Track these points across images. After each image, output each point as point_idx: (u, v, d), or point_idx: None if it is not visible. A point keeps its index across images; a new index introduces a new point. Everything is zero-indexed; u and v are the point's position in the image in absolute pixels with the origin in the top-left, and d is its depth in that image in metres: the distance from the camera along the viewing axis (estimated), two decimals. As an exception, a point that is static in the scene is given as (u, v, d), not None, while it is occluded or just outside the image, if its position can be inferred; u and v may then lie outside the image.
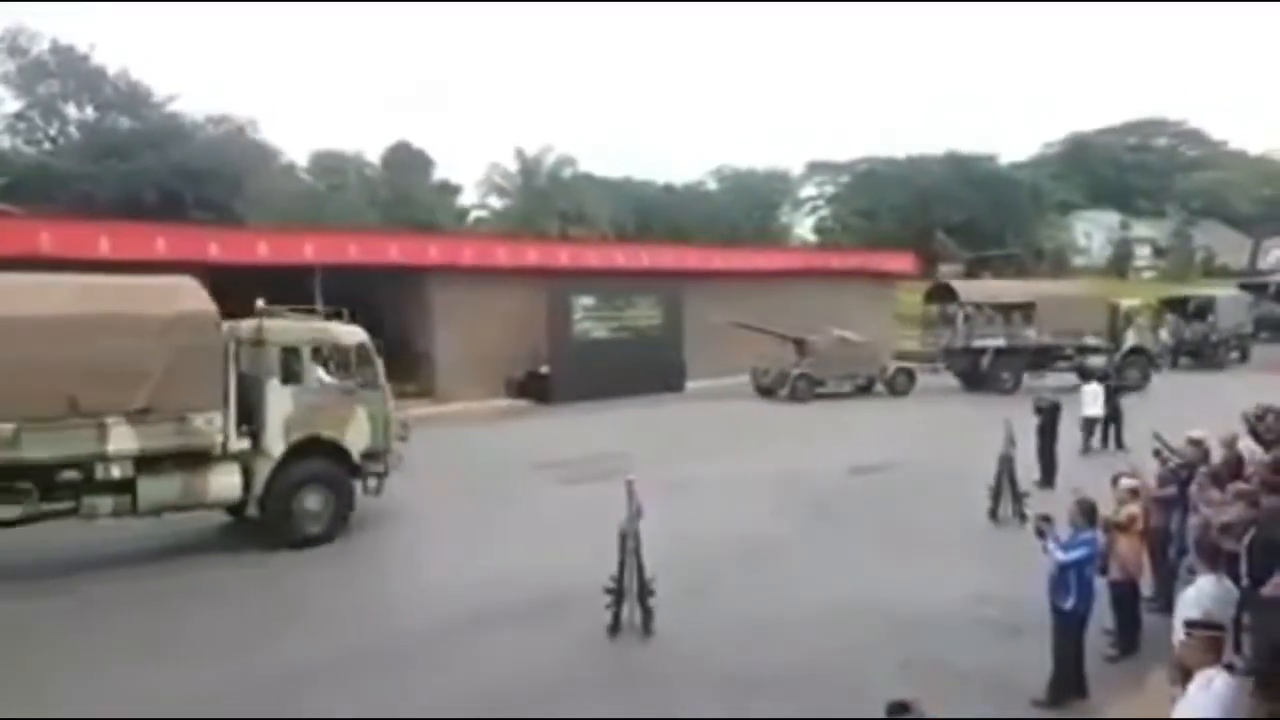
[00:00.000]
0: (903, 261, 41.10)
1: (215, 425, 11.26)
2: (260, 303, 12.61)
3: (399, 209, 53.36)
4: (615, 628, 8.82)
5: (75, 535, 11.49)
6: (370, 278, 26.10)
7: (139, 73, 55.15)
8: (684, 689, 7.83)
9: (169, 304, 11.26)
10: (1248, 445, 10.58)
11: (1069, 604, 7.33)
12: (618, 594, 8.79)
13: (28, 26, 46.74)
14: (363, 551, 12.33)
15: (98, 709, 7.58)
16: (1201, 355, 33.64)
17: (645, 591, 8.78)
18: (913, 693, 4.55)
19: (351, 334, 13.00)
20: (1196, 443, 10.19)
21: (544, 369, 27.32)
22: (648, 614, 8.80)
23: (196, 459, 11.33)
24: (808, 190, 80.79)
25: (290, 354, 12.28)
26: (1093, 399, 18.20)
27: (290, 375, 12.20)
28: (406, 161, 59.21)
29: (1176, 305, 36.11)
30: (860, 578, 10.62)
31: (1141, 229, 74.33)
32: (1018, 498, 12.85)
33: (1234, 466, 9.75)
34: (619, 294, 28.94)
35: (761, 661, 8.34)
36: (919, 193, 69.05)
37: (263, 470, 11.87)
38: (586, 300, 28.15)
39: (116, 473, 10.79)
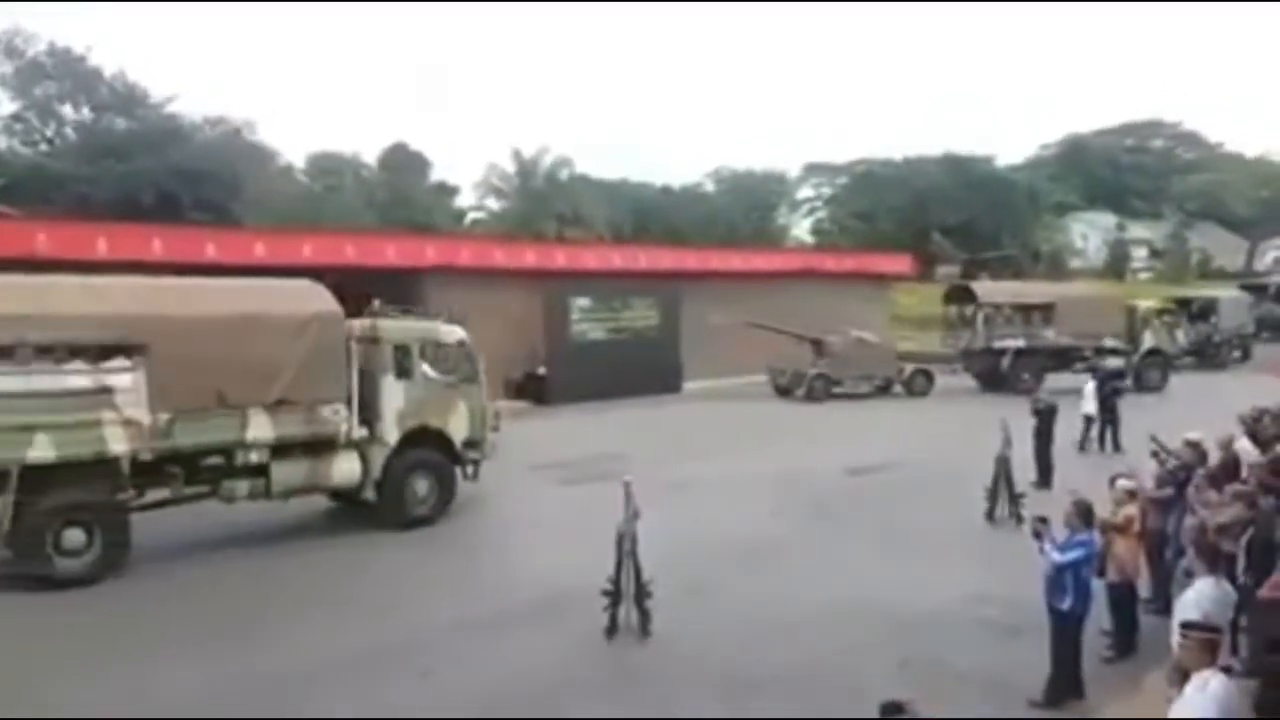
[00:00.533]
0: (900, 263, 41.12)
1: (340, 415, 12.33)
2: (375, 304, 13.87)
3: (396, 210, 53.34)
4: (612, 629, 8.81)
5: (188, 522, 12.20)
6: (367, 279, 26.00)
7: (136, 74, 54.95)
8: (682, 690, 7.82)
9: (302, 305, 12.44)
10: (1244, 447, 10.60)
11: (1066, 605, 7.34)
12: (615, 595, 8.79)
13: (24, 28, 46.74)
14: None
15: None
16: (1205, 355, 33.80)
17: (642, 593, 8.78)
18: (909, 693, 4.56)
19: (452, 332, 14.23)
20: (1193, 444, 10.21)
21: (541, 370, 27.32)
22: (645, 615, 8.80)
23: (321, 446, 12.39)
24: (805, 192, 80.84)
25: (401, 351, 13.37)
26: (1092, 396, 18.28)
27: (401, 370, 13.29)
28: (404, 163, 59.19)
29: (1179, 306, 36.22)
30: (856, 578, 10.62)
31: (1138, 231, 74.41)
32: (1014, 499, 12.87)
33: (1231, 468, 9.78)
34: (616, 295, 28.96)
35: (759, 662, 8.34)
36: (916, 194, 69.09)
37: (378, 457, 12.93)
38: (583, 301, 28.16)
39: (254, 458, 11.85)
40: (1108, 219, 75.01)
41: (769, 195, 76.00)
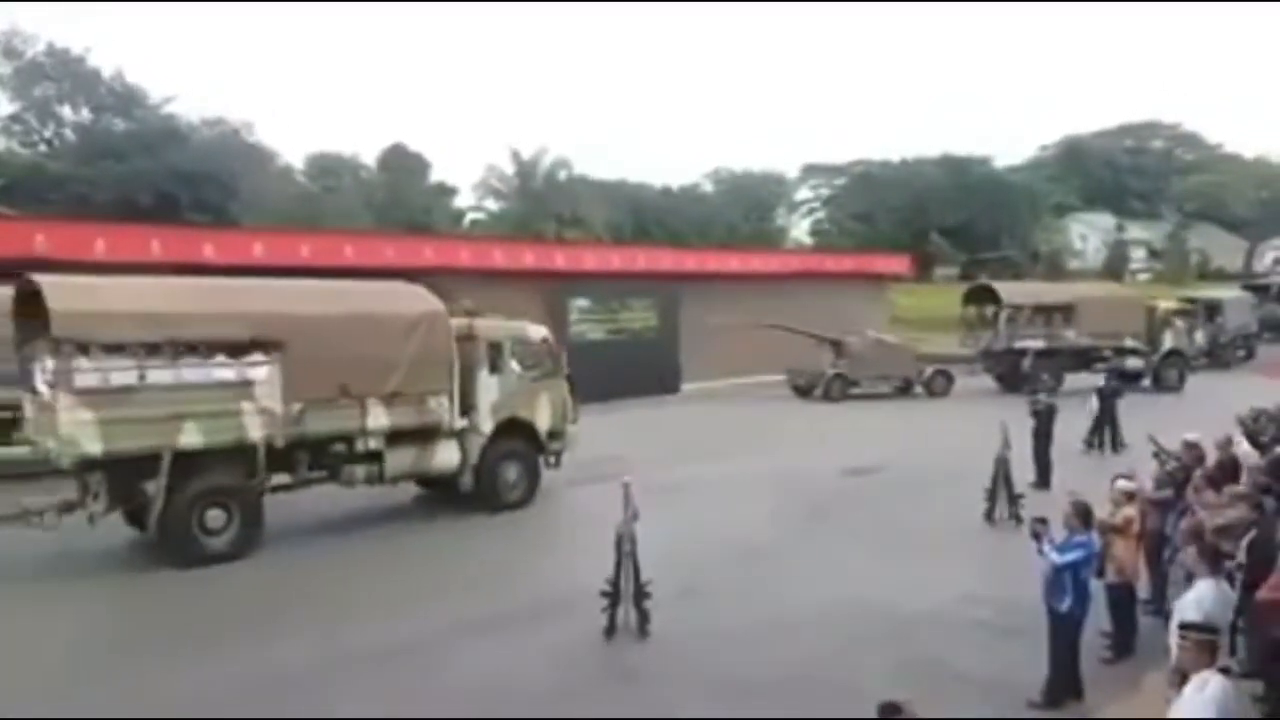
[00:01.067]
0: (899, 264, 41.11)
1: (444, 407, 13.31)
2: (467, 303, 15.00)
3: (395, 211, 53.35)
4: (611, 630, 8.80)
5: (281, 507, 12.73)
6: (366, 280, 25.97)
7: (135, 75, 55.28)
8: (680, 691, 7.81)
9: (413, 305, 13.48)
10: (1243, 448, 10.59)
11: (1065, 606, 7.33)
12: (613, 596, 8.77)
13: (23, 29, 46.78)
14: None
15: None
16: (1210, 355, 33.94)
17: (641, 594, 8.77)
18: (906, 694, 4.54)
19: (538, 331, 15.25)
20: (1192, 445, 10.20)
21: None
22: (643, 616, 8.79)
23: (427, 435, 13.33)
24: (803, 193, 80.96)
25: (494, 348, 14.38)
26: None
27: (494, 366, 14.33)
28: (403, 163, 59.21)
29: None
30: (854, 580, 10.60)
31: (1137, 231, 74.51)
32: (1013, 499, 12.87)
33: (1229, 469, 9.77)
34: (615, 296, 28.96)
35: (758, 663, 8.32)
36: (914, 195, 69.17)
37: (475, 446, 13.91)
38: (582, 302, 28.16)
39: (371, 445, 12.85)
40: (1106, 220, 75.09)
41: (768, 196, 76.12)
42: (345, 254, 26.45)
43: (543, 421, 14.70)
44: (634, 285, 29.77)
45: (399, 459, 13.14)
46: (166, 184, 41.78)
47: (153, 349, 11.05)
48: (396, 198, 55.56)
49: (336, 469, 12.85)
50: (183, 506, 11.17)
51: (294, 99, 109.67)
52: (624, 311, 28.88)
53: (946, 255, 67.18)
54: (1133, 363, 27.08)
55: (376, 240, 30.39)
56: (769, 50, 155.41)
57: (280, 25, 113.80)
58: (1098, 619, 8.10)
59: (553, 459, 14.96)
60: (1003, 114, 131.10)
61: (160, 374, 11.08)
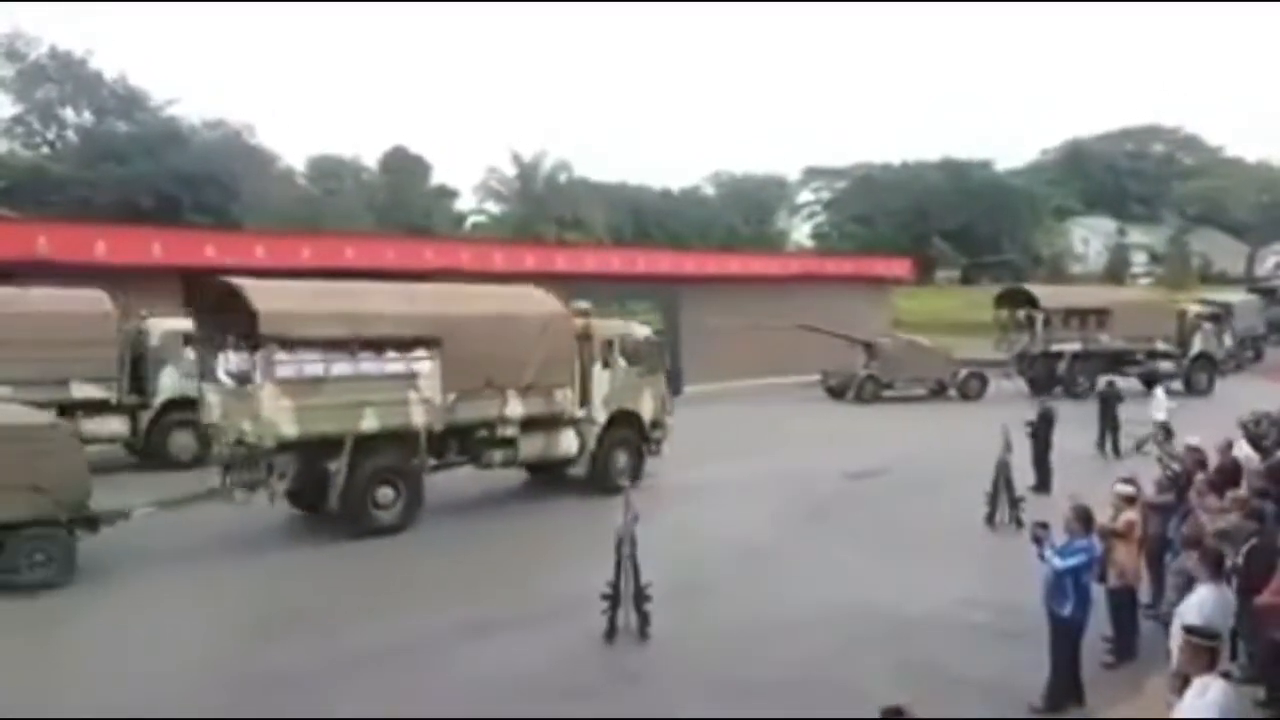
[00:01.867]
0: (900, 267, 41.12)
1: (568, 399, 14.80)
2: (584, 305, 16.29)
3: (396, 213, 53.38)
4: (611, 632, 8.79)
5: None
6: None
7: (137, 77, 55.35)
8: (680, 693, 7.80)
9: (542, 307, 15.05)
10: (1245, 452, 10.58)
11: (1066, 611, 7.30)
12: (614, 599, 8.76)
13: (26, 31, 46.82)
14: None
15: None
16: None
17: (641, 596, 8.76)
18: (907, 697, 4.53)
19: (642, 330, 16.83)
20: (1194, 449, 10.19)
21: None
22: (644, 618, 8.78)
23: (552, 423, 14.78)
24: (804, 196, 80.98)
25: (607, 346, 15.71)
26: (1159, 404, 18.11)
27: (606, 362, 15.65)
28: (404, 166, 59.24)
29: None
30: (854, 582, 10.60)
31: (1138, 235, 74.43)
32: (1014, 503, 12.85)
33: (1230, 473, 9.75)
34: (615, 298, 28.88)
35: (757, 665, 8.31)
36: (915, 198, 69.16)
37: (591, 434, 15.33)
38: (583, 305, 28.11)
39: (509, 432, 14.32)
40: (1108, 224, 75.04)
41: (768, 199, 76.16)
42: (346, 256, 26.50)
43: (646, 412, 16.11)
44: (634, 288, 29.75)
45: (530, 445, 14.62)
46: (168, 186, 41.78)
47: (336, 345, 12.49)
48: (397, 200, 55.59)
49: (478, 453, 14.30)
50: (360, 484, 12.59)
51: (295, 101, 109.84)
52: (625, 314, 28.82)
53: (947, 258, 67.18)
54: (1165, 366, 27.57)
55: (378, 242, 30.46)
56: (770, 53, 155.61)
57: (282, 28, 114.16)
58: (1099, 623, 8.08)
59: (654, 447, 16.30)
60: (1004, 117, 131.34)
61: (343, 367, 12.57)
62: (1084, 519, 7.53)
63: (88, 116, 49.13)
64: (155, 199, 41.00)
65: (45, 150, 48.16)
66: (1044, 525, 7.60)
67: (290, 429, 11.97)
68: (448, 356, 13.24)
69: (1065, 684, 7.41)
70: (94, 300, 17.03)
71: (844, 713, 6.75)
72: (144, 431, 17.47)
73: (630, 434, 15.89)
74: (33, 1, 56.06)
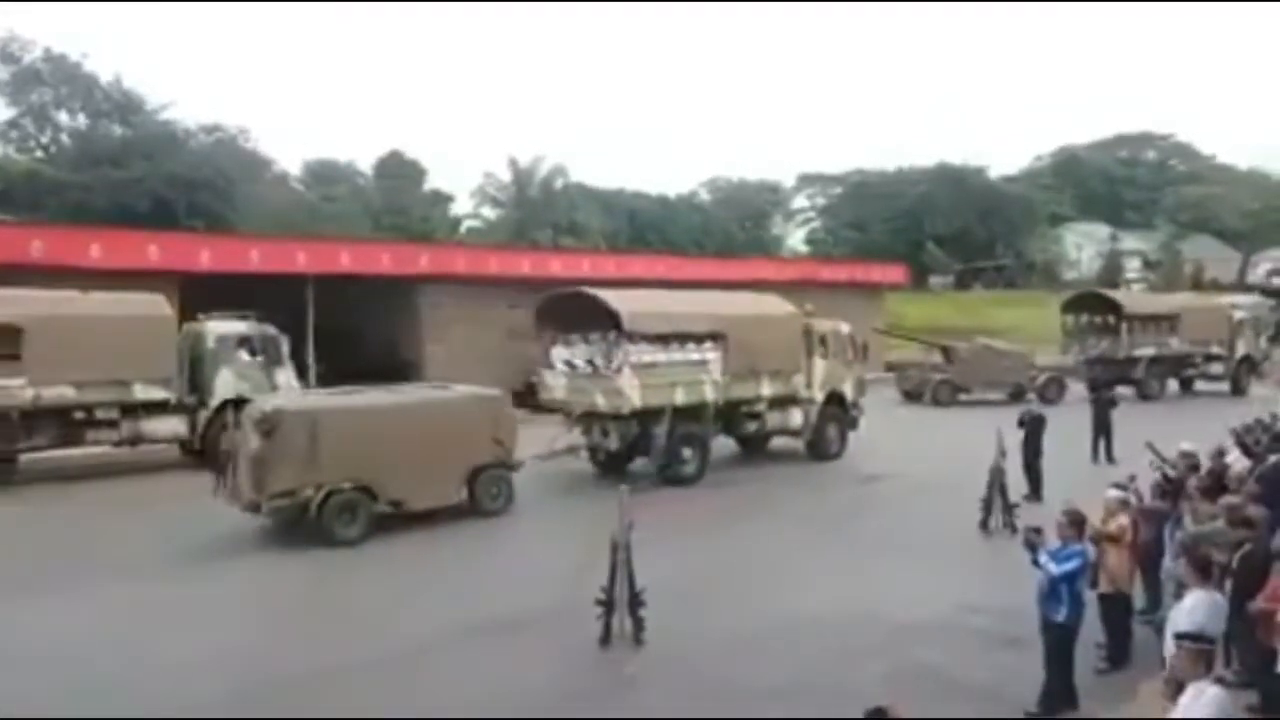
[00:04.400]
0: (894, 273, 41.20)
1: (800, 382, 18.34)
2: (808, 306, 19.48)
3: (392, 218, 53.32)
4: (606, 638, 8.78)
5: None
6: (362, 286, 26.06)
7: (132, 81, 54.97)
8: (674, 699, 7.80)
9: (783, 309, 18.95)
10: (1235, 457, 10.61)
11: (1060, 616, 7.31)
12: (608, 604, 8.74)
13: (20, 34, 46.71)
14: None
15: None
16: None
17: (636, 601, 8.74)
18: (892, 698, 4.53)
19: (846, 327, 19.90)
20: (1187, 455, 10.21)
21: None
22: (638, 624, 8.76)
23: (786, 402, 18.28)
24: (799, 202, 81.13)
25: (823, 339, 19.01)
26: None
27: (822, 352, 18.93)
28: (399, 171, 59.17)
29: None
30: (855, 585, 10.63)
31: (1131, 242, 74.64)
32: (1008, 509, 12.87)
33: (1222, 479, 9.77)
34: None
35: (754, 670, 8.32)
36: (910, 204, 69.32)
37: (813, 411, 18.72)
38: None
39: (759, 408, 17.92)
40: (1101, 230, 75.20)
41: (763, 205, 76.28)
42: (342, 261, 26.45)
43: (849, 394, 19.38)
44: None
45: (773, 419, 18.22)
46: (163, 190, 41.61)
47: (662, 338, 16.40)
48: (393, 205, 55.51)
49: (738, 424, 17.97)
50: (675, 443, 16.30)
51: (291, 106, 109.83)
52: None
53: (941, 264, 67.33)
54: (1216, 368, 29.01)
55: (373, 247, 30.45)
56: (765, 60, 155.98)
57: (278, 32, 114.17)
58: (1093, 629, 8.09)
59: (854, 424, 19.48)
60: (998, 124, 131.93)
61: (665, 355, 16.49)
62: (1077, 524, 7.55)
63: (83, 120, 48.97)
64: (150, 203, 40.83)
65: (40, 154, 47.97)
66: (1037, 531, 7.58)
67: (638, 401, 15.88)
68: (727, 348, 17.02)
69: (1060, 689, 7.41)
70: (154, 304, 17.64)
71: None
72: (200, 431, 17.76)
73: (839, 411, 19.22)
74: (28, 3, 55.72)
